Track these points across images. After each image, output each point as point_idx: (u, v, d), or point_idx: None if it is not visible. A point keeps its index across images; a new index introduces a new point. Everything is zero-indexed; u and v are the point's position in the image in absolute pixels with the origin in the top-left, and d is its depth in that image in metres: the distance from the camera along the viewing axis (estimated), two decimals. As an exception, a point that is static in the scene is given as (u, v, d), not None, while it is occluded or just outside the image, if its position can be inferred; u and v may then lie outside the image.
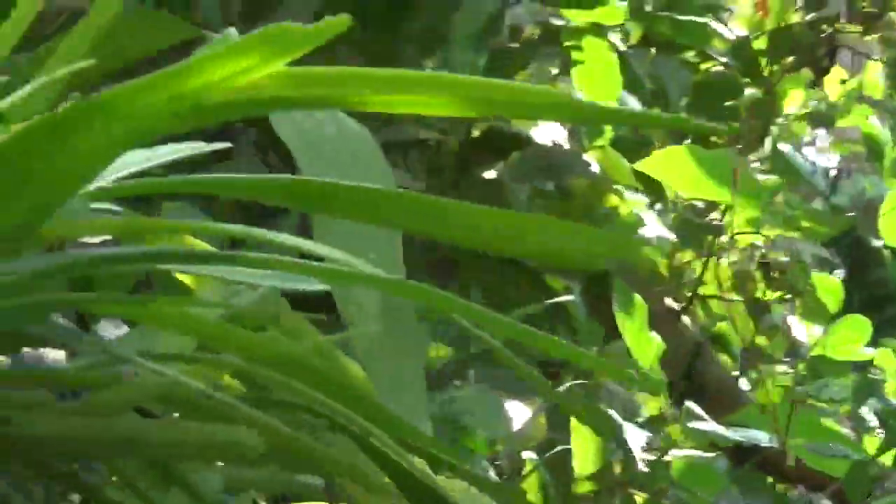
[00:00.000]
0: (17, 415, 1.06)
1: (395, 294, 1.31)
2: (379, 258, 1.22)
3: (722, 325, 3.89)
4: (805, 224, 3.81)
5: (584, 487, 3.07)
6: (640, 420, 3.49)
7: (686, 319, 4.01)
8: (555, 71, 3.55)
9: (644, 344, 3.21)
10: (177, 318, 1.16)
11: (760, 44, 4.95)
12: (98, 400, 1.05)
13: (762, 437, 3.17)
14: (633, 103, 3.68)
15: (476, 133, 3.24)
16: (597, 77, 3.37)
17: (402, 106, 1.06)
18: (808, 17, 5.07)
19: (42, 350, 1.18)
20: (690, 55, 4.31)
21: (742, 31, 5.02)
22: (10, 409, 1.06)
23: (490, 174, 3.21)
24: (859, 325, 3.37)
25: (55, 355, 1.17)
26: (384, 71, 0.96)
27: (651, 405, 3.52)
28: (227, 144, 1.45)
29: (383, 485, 1.09)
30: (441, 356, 3.01)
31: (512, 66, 3.28)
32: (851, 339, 3.35)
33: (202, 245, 1.26)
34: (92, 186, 1.08)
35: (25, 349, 1.19)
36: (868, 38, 5.11)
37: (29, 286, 1.06)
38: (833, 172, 5.06)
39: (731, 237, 3.61)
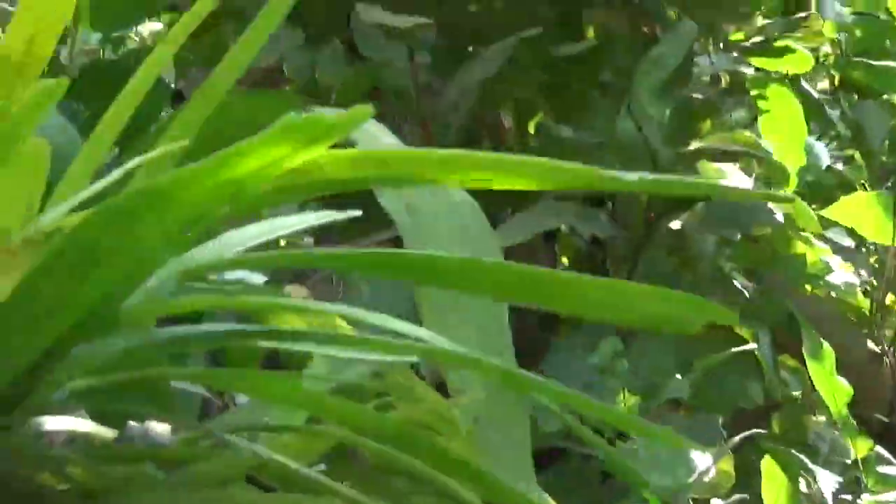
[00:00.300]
0: (125, 489, 1.14)
1: (501, 381, 1.32)
2: (484, 332, 1.28)
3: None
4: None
5: (773, 535, 3.05)
6: (846, 462, 3.47)
7: (888, 361, 4.03)
8: (741, 115, 3.58)
9: (834, 389, 3.19)
10: (285, 392, 1.21)
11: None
12: (201, 472, 1.12)
13: (959, 484, 3.14)
14: (822, 150, 3.75)
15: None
16: (782, 125, 3.39)
17: (460, 181, 1.16)
18: None
19: (147, 424, 1.23)
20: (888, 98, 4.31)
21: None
22: (117, 483, 1.14)
23: (676, 225, 3.22)
24: None
25: (160, 428, 1.23)
26: (433, 152, 1.04)
27: (859, 447, 3.50)
28: (358, 213, 1.40)
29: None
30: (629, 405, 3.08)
31: (697, 115, 3.25)
32: None
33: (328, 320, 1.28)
34: (206, 259, 1.16)
35: (131, 422, 1.26)
36: None
37: (125, 363, 1.12)
38: None
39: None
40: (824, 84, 4.22)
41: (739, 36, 3.50)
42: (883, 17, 4.46)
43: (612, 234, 3.26)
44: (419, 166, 1.11)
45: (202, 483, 1.16)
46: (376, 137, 1.42)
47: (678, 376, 3.18)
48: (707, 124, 3.32)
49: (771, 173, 3.42)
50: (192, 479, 1.16)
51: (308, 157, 0.95)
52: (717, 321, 1.02)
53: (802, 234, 3.22)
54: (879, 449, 3.28)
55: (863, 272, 3.79)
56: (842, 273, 3.45)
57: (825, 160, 3.85)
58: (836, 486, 3.13)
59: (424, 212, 1.40)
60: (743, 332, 3.25)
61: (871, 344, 3.84)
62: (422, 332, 1.13)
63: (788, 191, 3.37)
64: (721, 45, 3.56)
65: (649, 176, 1.22)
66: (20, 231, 1.08)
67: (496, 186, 1.07)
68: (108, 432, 1.24)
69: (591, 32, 3.33)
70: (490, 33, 3.20)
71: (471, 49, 3.27)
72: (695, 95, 3.35)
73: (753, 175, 3.37)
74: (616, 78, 3.30)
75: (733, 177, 3.24)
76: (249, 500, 1.17)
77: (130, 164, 1.07)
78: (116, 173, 1.05)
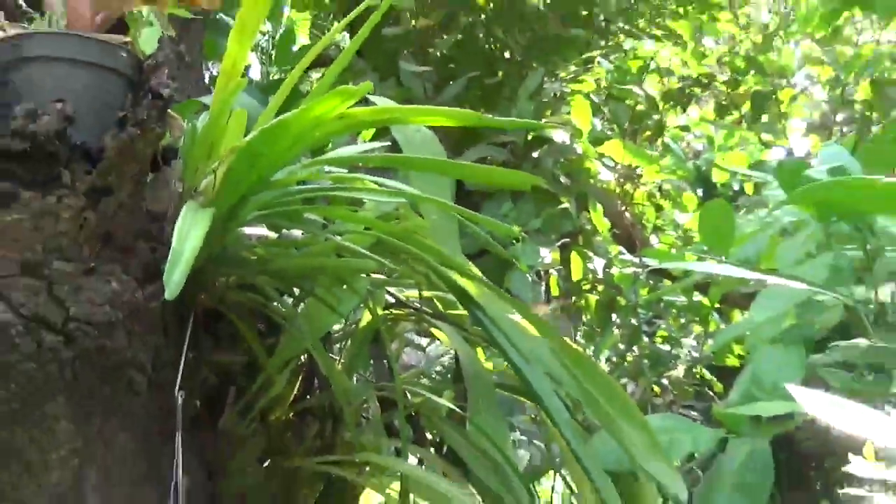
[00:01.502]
0: (275, 256, 2.31)
1: (443, 210, 2.47)
2: (439, 190, 2.47)
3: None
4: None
5: None
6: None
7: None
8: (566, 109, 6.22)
9: (602, 224, 6.34)
10: (355, 217, 2.42)
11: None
12: (316, 250, 2.32)
13: None
14: (597, 123, 6.64)
15: (529, 137, 5.90)
16: (581, 113, 6.10)
17: (421, 121, 2.36)
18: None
19: (292, 230, 2.40)
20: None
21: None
22: (273, 254, 2.30)
23: (536, 154, 5.95)
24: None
25: (296, 233, 2.39)
26: (407, 107, 2.19)
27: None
28: (387, 143, 2.67)
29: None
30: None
31: (546, 107, 6.11)
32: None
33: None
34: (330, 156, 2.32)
35: (284, 231, 2.44)
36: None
37: (278, 203, 2.15)
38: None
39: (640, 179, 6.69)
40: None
41: (563, 74, 6.46)
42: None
43: (507, 158, 5.88)
44: (402, 114, 2.25)
45: (316, 254, 2.34)
46: (386, 103, 2.75)
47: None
48: (549, 112, 6.19)
49: (576, 133, 6.12)
50: (310, 252, 2.35)
51: (349, 107, 1.86)
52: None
53: (587, 157, 6.20)
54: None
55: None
56: (606, 174, 6.46)
57: (598, 127, 6.69)
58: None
59: (410, 137, 2.70)
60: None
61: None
62: (412, 189, 2.33)
63: (583, 139, 6.16)
64: (554, 77, 6.39)
65: (508, 119, 2.34)
66: (235, 145, 2.01)
67: (437, 124, 2.20)
68: (273, 234, 2.43)
69: (500, 74, 6.13)
70: (457, 74, 5.94)
71: (451, 81, 5.93)
72: (544, 100, 6.18)
73: (570, 133, 6.09)
74: (511, 93, 6.00)
75: (559, 132, 6.00)
76: (336, 262, 2.28)
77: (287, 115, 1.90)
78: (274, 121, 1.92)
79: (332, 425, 2.47)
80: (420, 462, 2.61)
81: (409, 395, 2.70)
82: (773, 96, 7.76)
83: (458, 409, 2.49)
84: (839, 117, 7.45)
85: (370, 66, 6.15)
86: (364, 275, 2.39)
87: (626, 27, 6.87)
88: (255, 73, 7.34)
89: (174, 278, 1.75)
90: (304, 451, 2.49)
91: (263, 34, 6.28)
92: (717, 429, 2.37)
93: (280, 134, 1.94)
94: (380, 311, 2.54)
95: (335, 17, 6.57)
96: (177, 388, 2.11)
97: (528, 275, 5.52)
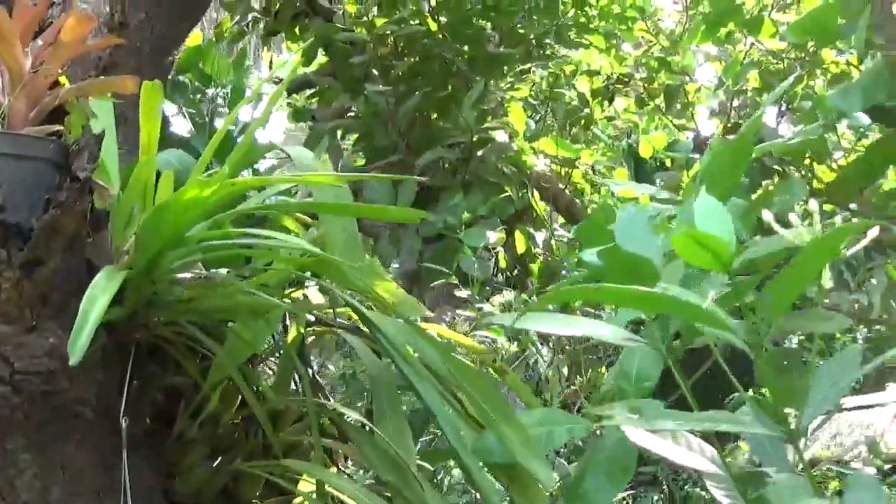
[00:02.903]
0: (200, 297, 2.20)
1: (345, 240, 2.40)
2: (345, 229, 2.39)
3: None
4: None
5: None
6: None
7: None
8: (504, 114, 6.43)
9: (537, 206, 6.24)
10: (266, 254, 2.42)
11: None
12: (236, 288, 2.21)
13: None
14: (532, 123, 6.64)
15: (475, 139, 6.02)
16: (517, 116, 6.18)
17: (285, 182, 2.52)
18: None
19: (219, 270, 2.36)
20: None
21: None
22: (198, 294, 2.19)
23: (480, 153, 6.05)
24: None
25: (223, 271, 2.35)
26: (275, 177, 3.12)
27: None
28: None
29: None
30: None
31: (487, 113, 6.11)
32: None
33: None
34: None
35: (211, 271, 2.38)
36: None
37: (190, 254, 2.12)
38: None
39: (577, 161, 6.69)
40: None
41: (502, 84, 6.46)
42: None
43: (458, 157, 6.05)
44: (270, 182, 2.57)
45: (233, 294, 2.24)
46: (298, 154, 2.62)
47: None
48: (490, 117, 6.18)
49: (514, 133, 6.16)
50: (228, 293, 2.24)
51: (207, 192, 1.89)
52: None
53: (524, 152, 6.27)
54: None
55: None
56: (541, 165, 6.41)
57: (533, 126, 6.70)
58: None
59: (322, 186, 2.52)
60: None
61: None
62: (307, 245, 2.19)
63: (520, 138, 6.25)
64: (498, 87, 6.42)
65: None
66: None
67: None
68: (191, 275, 2.35)
69: (450, 87, 6.14)
70: (414, 89, 5.97)
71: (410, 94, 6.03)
72: (487, 107, 6.17)
73: (509, 133, 6.17)
74: (456, 104, 5.97)
75: (500, 133, 6.05)
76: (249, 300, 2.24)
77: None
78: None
79: (263, 432, 2.38)
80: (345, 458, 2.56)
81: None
82: (682, 89, 7.72)
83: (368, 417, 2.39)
84: (735, 103, 7.37)
85: (343, 87, 6.10)
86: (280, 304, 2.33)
87: (556, 43, 6.66)
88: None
89: (77, 346, 1.71)
90: (244, 454, 2.43)
91: (222, 86, 6.19)
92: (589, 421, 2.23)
93: (164, 214, 1.94)
94: (302, 330, 2.44)
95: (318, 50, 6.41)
96: (121, 414, 2.11)
97: (475, 254, 5.51)
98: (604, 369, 6.09)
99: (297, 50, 6.97)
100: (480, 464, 2.16)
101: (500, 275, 5.97)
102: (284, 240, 2.23)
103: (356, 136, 6.40)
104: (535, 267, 6.23)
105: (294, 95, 6.73)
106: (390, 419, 2.27)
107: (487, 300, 4.69)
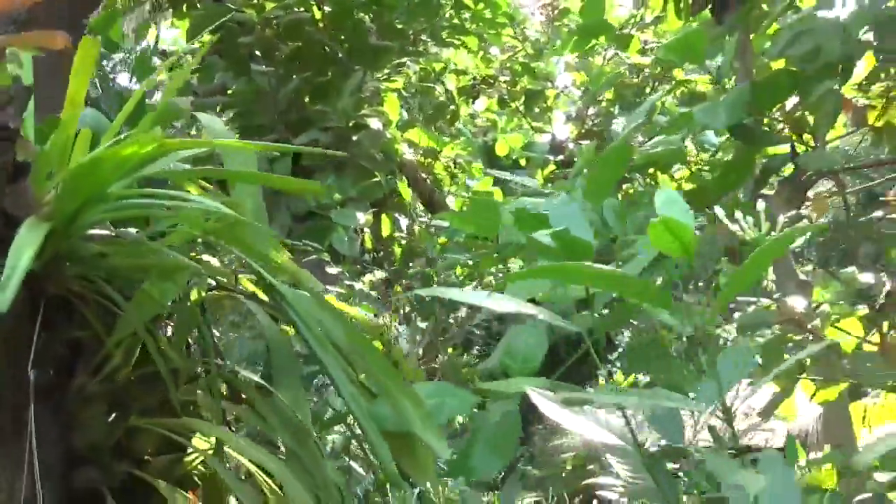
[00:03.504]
0: (112, 254, 2.13)
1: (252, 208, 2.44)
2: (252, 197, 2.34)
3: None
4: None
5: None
6: None
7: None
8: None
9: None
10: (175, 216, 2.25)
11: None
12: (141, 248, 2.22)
13: None
14: (405, 112, 6.65)
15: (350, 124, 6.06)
16: (392, 106, 6.27)
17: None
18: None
19: (126, 229, 2.24)
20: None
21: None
22: (110, 251, 2.11)
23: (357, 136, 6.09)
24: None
25: (132, 230, 2.25)
26: (198, 140, 2.39)
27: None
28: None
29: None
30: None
31: (363, 101, 6.15)
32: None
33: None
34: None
35: (121, 229, 2.24)
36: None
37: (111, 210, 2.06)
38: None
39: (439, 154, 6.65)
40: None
41: (378, 75, 6.47)
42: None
43: (332, 140, 6.06)
44: (197, 145, 2.31)
45: (144, 253, 2.20)
46: (210, 123, 2.51)
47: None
48: (366, 105, 6.20)
49: (387, 122, 6.23)
50: (139, 252, 2.20)
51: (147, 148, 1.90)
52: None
53: (395, 141, 6.24)
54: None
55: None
56: (410, 154, 6.43)
57: (406, 116, 6.74)
58: None
59: (232, 154, 2.45)
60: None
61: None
62: (214, 203, 2.16)
63: (392, 126, 6.27)
64: (375, 77, 6.44)
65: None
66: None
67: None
68: (110, 232, 2.24)
69: (329, 74, 6.11)
70: (296, 73, 5.97)
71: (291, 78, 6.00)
72: (363, 95, 6.17)
73: (382, 121, 6.21)
74: (337, 89, 6.00)
75: (374, 120, 6.10)
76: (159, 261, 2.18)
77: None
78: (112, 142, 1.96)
79: (163, 390, 2.31)
80: (237, 420, 2.51)
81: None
82: (542, 94, 7.87)
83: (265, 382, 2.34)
84: (590, 111, 7.60)
85: (228, 66, 5.99)
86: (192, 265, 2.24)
87: (431, 39, 6.66)
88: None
89: (6, 294, 1.59)
90: (144, 411, 2.31)
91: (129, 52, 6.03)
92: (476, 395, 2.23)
93: (95, 167, 1.88)
94: (203, 294, 2.37)
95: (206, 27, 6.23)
96: (29, 365, 2.01)
97: (344, 234, 5.41)
98: (452, 350, 6.17)
99: (182, 26, 6.83)
100: (379, 431, 2.12)
101: (366, 254, 5.97)
102: (204, 202, 2.15)
103: (234, 113, 6.28)
104: (398, 249, 6.24)
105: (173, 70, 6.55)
106: (288, 385, 2.24)
107: (359, 277, 4.69)
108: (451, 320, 5.86)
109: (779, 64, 4.02)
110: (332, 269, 4.85)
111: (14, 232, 1.96)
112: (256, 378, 2.32)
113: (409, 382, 2.22)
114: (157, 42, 6.59)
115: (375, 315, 3.97)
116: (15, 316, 1.96)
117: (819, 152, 3.54)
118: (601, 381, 5.56)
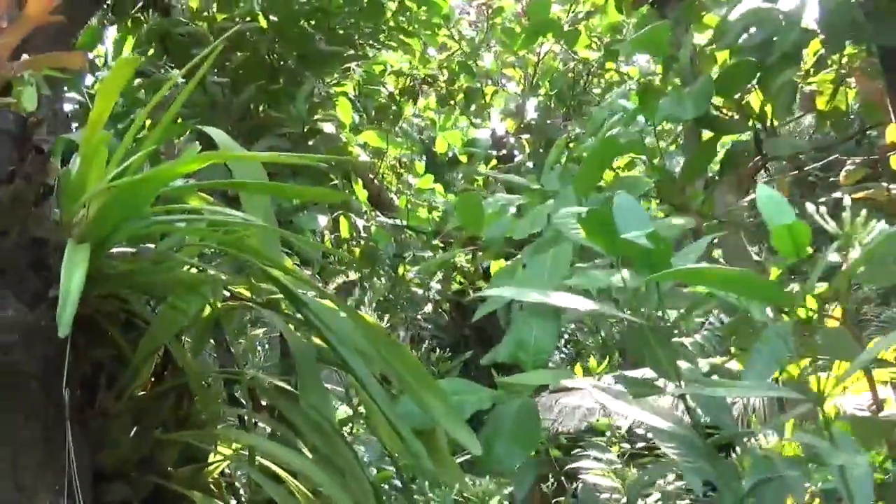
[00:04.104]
0: (138, 271, 2.12)
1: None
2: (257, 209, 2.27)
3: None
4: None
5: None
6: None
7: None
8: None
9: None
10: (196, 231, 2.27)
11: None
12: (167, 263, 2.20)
13: None
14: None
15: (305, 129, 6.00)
16: (344, 110, 6.25)
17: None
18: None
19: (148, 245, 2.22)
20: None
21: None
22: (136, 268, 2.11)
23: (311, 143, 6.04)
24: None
25: (150, 246, 2.21)
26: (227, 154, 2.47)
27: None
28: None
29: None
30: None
31: (317, 107, 6.08)
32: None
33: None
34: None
35: (141, 245, 2.23)
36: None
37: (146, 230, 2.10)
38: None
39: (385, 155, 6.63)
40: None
41: (328, 80, 6.41)
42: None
43: (288, 146, 5.99)
44: (219, 158, 2.23)
45: (170, 268, 2.19)
46: (219, 138, 2.43)
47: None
48: (319, 110, 6.07)
49: (341, 125, 6.16)
50: (165, 268, 2.19)
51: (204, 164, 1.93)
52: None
53: (350, 144, 6.22)
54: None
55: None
56: (364, 156, 6.42)
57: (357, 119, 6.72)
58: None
59: (243, 166, 2.42)
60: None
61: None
62: (238, 214, 2.25)
63: (346, 130, 6.26)
64: (322, 82, 6.40)
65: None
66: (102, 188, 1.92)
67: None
68: (131, 250, 2.22)
69: (281, 81, 6.01)
70: (248, 81, 5.88)
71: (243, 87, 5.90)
72: (316, 100, 6.08)
73: (336, 125, 6.12)
74: (289, 96, 5.85)
75: (328, 125, 6.02)
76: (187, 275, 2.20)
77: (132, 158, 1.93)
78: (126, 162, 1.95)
79: (187, 401, 2.29)
80: (256, 424, 2.48)
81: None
82: (480, 91, 7.88)
83: (286, 384, 2.32)
84: (528, 106, 7.64)
85: (183, 77, 5.87)
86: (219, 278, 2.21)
87: (372, 42, 6.64)
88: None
89: (65, 317, 1.60)
90: (164, 423, 2.31)
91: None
92: (493, 390, 2.23)
93: (143, 186, 1.86)
94: (219, 305, 2.35)
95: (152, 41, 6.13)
96: (63, 386, 1.95)
97: (310, 237, 5.39)
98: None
99: (128, 42, 6.71)
100: (409, 429, 2.12)
101: (330, 257, 5.94)
102: (227, 213, 2.12)
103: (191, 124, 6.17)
104: (357, 250, 6.22)
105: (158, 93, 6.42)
106: (312, 390, 2.23)
107: (328, 280, 4.66)
108: (419, 316, 5.87)
109: (723, 55, 4.10)
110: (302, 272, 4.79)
111: (43, 253, 1.94)
112: (280, 382, 2.29)
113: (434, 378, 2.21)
114: (106, 60, 6.43)
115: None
116: (48, 338, 1.95)
117: (783, 138, 3.60)
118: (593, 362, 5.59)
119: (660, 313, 1.96)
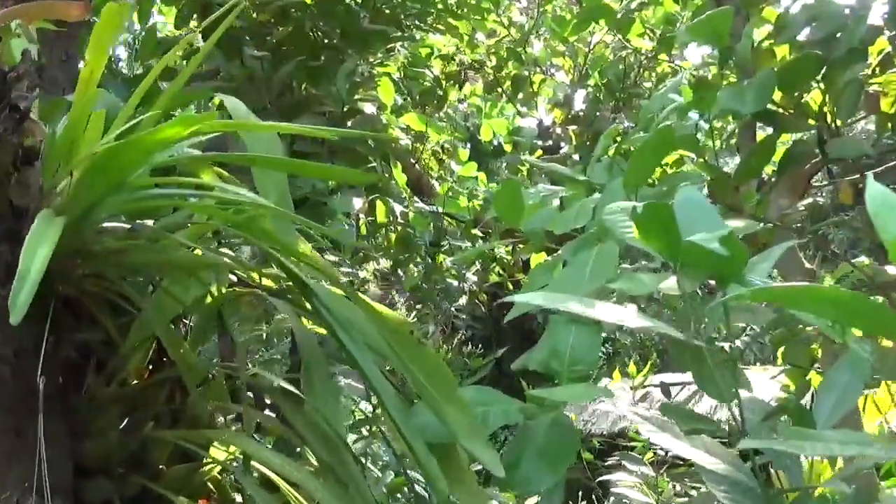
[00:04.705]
0: (130, 249, 1.88)
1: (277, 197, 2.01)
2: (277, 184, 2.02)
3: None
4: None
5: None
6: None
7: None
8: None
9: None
10: (198, 207, 2.01)
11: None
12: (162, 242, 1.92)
13: None
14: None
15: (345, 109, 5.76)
16: (386, 91, 6.00)
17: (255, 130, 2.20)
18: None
19: (143, 222, 1.97)
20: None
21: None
22: (127, 246, 1.87)
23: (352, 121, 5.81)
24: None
25: (149, 222, 1.97)
26: (241, 122, 2.06)
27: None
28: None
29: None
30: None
31: (357, 86, 5.80)
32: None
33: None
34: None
35: (137, 221, 1.97)
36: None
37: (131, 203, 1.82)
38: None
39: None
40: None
41: (371, 59, 6.15)
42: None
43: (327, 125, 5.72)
44: (238, 126, 2.09)
45: (166, 248, 1.93)
46: (233, 105, 2.16)
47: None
48: (360, 89, 5.86)
49: (382, 106, 5.95)
50: (160, 248, 1.94)
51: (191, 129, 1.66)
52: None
53: (390, 126, 5.99)
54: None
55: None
56: (404, 139, 6.17)
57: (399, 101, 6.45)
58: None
59: (256, 138, 2.15)
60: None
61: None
62: (249, 194, 1.93)
63: (387, 111, 6.03)
64: (365, 62, 6.17)
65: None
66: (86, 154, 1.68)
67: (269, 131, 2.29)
68: (126, 226, 1.99)
69: (322, 58, 5.78)
70: (289, 57, 5.64)
71: (283, 63, 5.61)
72: (357, 80, 5.85)
73: (377, 106, 5.92)
74: (330, 74, 5.60)
75: (369, 105, 5.77)
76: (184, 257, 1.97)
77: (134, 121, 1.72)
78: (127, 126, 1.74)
79: (181, 396, 2.04)
80: (258, 427, 2.23)
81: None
82: (528, 79, 7.60)
83: (291, 385, 2.06)
84: (577, 96, 7.35)
85: (220, 50, 5.63)
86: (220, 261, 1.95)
87: (419, 23, 6.37)
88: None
89: (19, 302, 1.34)
90: (158, 417, 2.09)
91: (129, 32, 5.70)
92: (523, 402, 1.96)
93: (128, 151, 1.61)
94: (224, 291, 2.09)
95: (195, 13, 5.90)
96: (38, 373, 1.75)
97: (344, 220, 5.18)
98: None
99: (170, 13, 6.49)
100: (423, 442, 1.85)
101: (365, 241, 5.70)
102: (231, 190, 1.86)
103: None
104: (393, 236, 5.97)
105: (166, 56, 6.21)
106: (321, 391, 1.97)
107: (361, 265, 4.41)
108: (454, 308, 5.61)
109: (782, 50, 3.83)
110: (332, 257, 4.55)
111: (22, 224, 1.71)
112: (283, 383, 2.04)
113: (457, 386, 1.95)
114: (153, 25, 6.20)
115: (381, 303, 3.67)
116: (23, 319, 1.70)
117: (849, 139, 3.30)
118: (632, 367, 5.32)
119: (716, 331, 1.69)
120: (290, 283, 2.08)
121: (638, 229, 1.68)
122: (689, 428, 1.47)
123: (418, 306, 5.95)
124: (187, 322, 2.21)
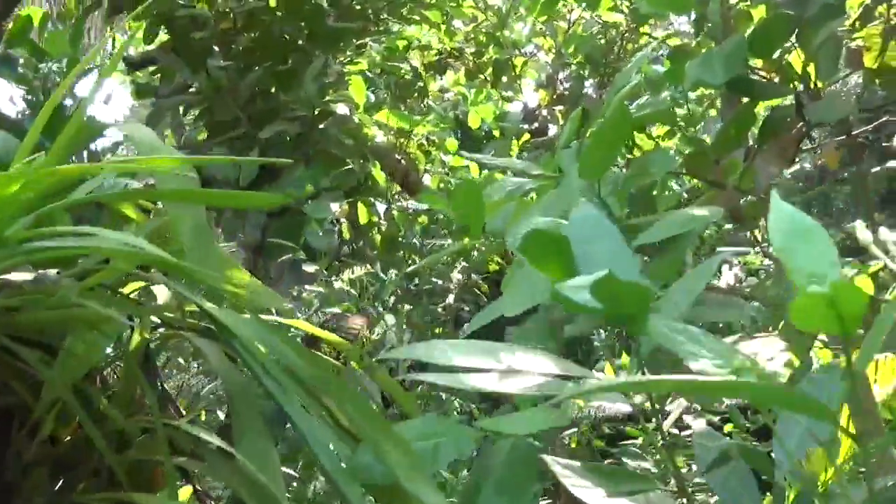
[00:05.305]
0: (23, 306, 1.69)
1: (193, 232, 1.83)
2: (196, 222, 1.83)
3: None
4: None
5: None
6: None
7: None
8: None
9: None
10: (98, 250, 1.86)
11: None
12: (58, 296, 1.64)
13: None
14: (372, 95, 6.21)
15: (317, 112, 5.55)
16: (357, 89, 5.85)
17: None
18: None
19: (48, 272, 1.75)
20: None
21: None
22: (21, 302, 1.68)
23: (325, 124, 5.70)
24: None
25: (52, 272, 1.75)
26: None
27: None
28: None
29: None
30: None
31: (329, 86, 5.61)
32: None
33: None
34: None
35: (39, 273, 1.78)
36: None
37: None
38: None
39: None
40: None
41: (341, 58, 5.96)
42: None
43: (299, 130, 5.61)
44: (96, 170, 1.87)
45: (62, 304, 1.69)
46: (142, 136, 1.99)
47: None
48: (331, 90, 5.64)
49: (355, 106, 5.78)
50: (55, 303, 1.71)
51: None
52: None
53: (365, 125, 5.82)
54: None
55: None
56: (381, 137, 6.01)
57: (373, 98, 6.29)
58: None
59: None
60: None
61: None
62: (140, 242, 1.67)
63: (360, 110, 5.84)
64: (335, 61, 5.95)
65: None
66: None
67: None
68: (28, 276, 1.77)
69: (290, 61, 5.59)
70: (256, 63, 5.46)
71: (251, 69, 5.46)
72: (327, 80, 5.66)
73: (349, 106, 5.68)
74: (297, 78, 5.42)
75: (342, 105, 5.57)
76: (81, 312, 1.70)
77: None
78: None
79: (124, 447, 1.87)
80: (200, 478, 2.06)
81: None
82: (510, 63, 7.40)
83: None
84: (561, 76, 7.15)
85: (185, 62, 5.47)
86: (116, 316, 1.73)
87: (391, 17, 6.17)
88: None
89: None
90: (88, 474, 1.92)
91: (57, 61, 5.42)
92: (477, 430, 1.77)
93: None
94: (146, 335, 1.92)
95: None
96: None
97: (323, 225, 4.95)
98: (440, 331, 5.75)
99: (138, 28, 6.32)
100: (362, 491, 1.67)
101: (345, 246, 5.52)
102: (118, 239, 1.67)
103: (198, 111, 5.77)
104: (377, 237, 5.79)
105: (137, 73, 6.02)
106: (251, 440, 1.78)
107: (336, 276, 4.24)
108: (441, 309, 5.44)
109: (760, 11, 3.63)
110: (309, 267, 4.38)
111: None
112: (212, 438, 1.85)
113: (393, 422, 1.76)
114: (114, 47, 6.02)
115: (358, 311, 3.53)
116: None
117: (829, 101, 3.08)
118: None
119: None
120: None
121: (529, 260, 1.45)
122: (614, 490, 1.28)
123: (408, 307, 5.76)
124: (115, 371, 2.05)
